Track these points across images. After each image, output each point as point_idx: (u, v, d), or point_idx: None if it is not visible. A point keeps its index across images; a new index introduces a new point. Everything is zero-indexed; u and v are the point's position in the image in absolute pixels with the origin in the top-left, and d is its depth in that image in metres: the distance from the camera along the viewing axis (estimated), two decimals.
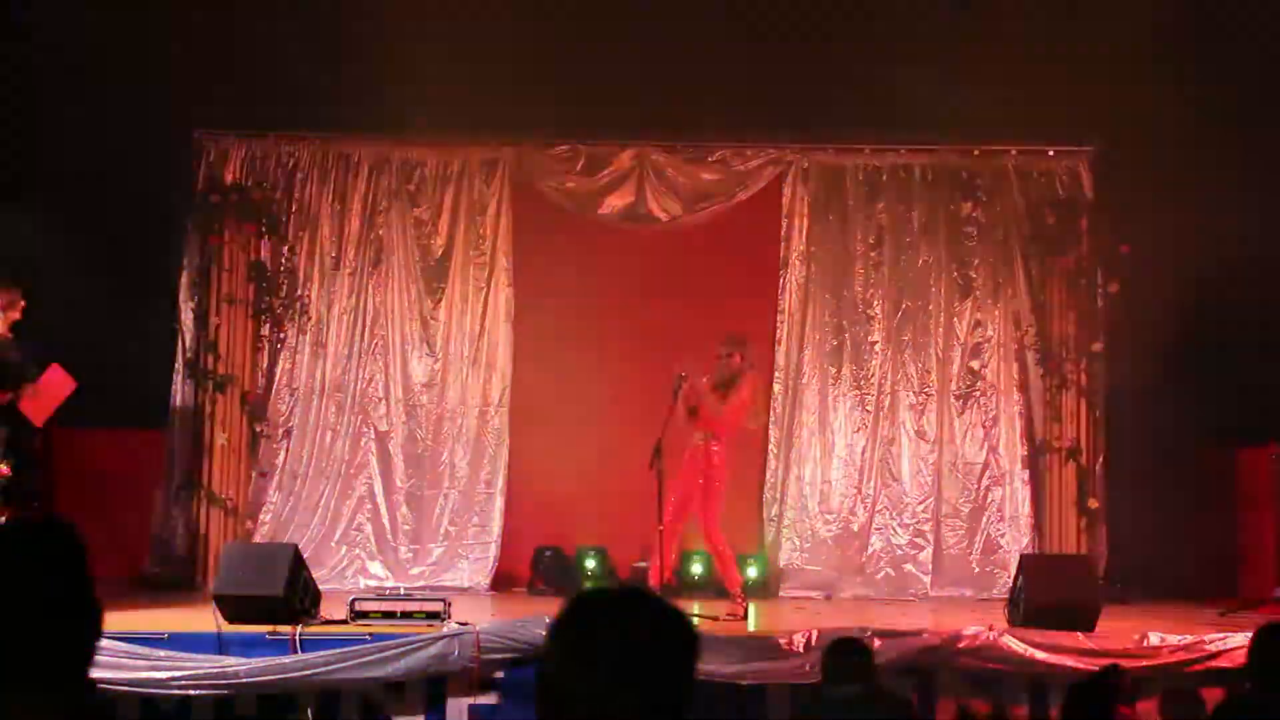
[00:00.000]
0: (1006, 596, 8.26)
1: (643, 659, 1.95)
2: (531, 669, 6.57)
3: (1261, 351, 9.53)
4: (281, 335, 10.23)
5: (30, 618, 2.21)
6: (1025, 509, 10.13)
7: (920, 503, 10.18)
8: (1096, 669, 6.08)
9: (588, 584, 9.53)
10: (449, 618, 7.33)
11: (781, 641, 7.01)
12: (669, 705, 1.95)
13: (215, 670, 6.74)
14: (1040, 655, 6.98)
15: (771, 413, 10.26)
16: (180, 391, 10.01)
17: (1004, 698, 6.98)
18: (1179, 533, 9.39)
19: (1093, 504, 9.97)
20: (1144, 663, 6.97)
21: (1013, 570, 8.53)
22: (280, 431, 10.17)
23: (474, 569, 10.04)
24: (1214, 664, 6.96)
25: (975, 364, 10.35)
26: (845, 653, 5.22)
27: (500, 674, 6.90)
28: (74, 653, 2.26)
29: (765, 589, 9.84)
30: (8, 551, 2.28)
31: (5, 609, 2.21)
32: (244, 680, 6.71)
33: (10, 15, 9.87)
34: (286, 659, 6.87)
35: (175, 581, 9.58)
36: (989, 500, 10.22)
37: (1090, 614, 7.44)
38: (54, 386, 8.51)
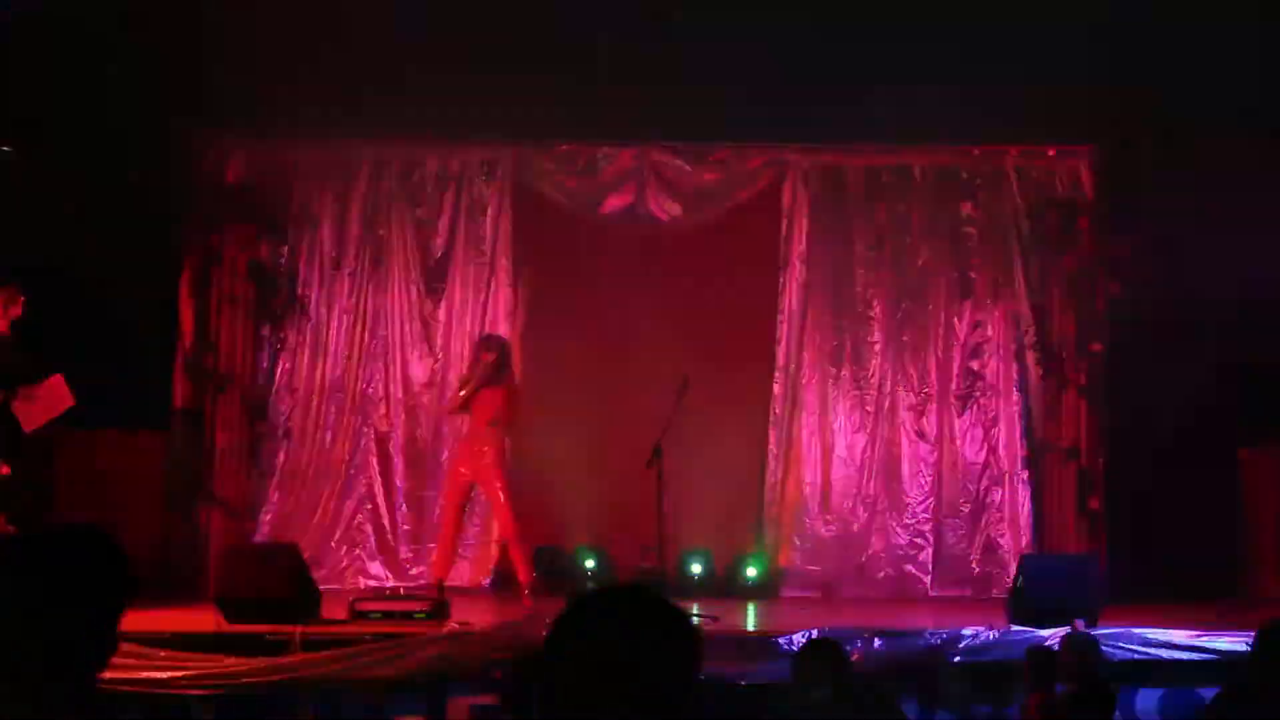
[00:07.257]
0: (1006, 596, 8.26)
1: (644, 659, 1.94)
2: (531, 669, 6.57)
3: (1262, 351, 9.52)
4: (281, 335, 10.23)
5: (63, 626, 2.21)
6: (1025, 509, 10.13)
7: (920, 503, 10.18)
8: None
9: (590, 583, 9.53)
10: (449, 618, 7.32)
11: (781, 641, 7.01)
12: (670, 705, 1.95)
13: (215, 670, 6.74)
14: None
15: (771, 413, 10.27)
16: (180, 391, 10.01)
17: (1004, 698, 6.99)
18: (1179, 533, 9.38)
19: (1093, 504, 9.97)
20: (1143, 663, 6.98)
21: (1013, 570, 8.53)
22: (280, 432, 10.17)
23: (474, 569, 10.04)
24: (1214, 664, 6.96)
25: (975, 364, 10.34)
26: (815, 654, 5.18)
27: (500, 674, 6.90)
28: (93, 661, 2.27)
29: (765, 589, 9.84)
30: (60, 558, 2.29)
31: (36, 614, 2.21)
32: (244, 680, 6.72)
33: (8, 15, 9.86)
34: (286, 659, 6.87)
35: (175, 582, 9.57)
36: (989, 500, 10.22)
37: (1090, 614, 7.44)
38: (52, 397, 8.45)
